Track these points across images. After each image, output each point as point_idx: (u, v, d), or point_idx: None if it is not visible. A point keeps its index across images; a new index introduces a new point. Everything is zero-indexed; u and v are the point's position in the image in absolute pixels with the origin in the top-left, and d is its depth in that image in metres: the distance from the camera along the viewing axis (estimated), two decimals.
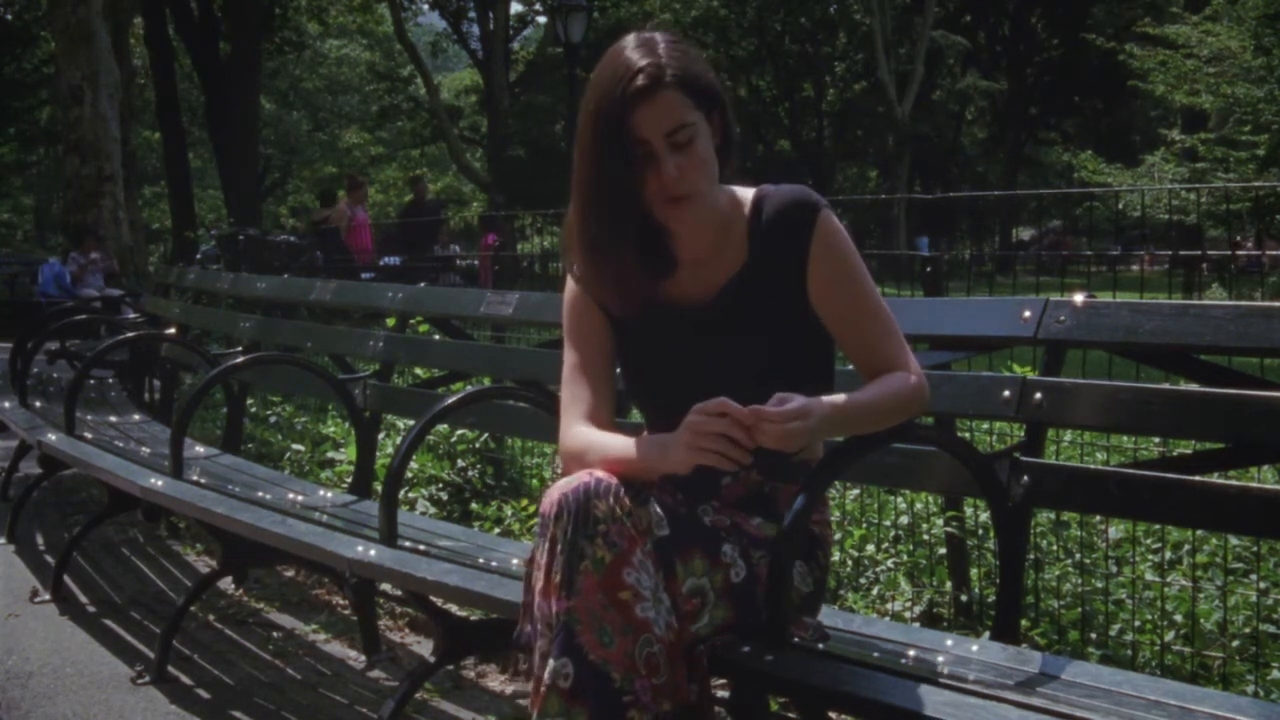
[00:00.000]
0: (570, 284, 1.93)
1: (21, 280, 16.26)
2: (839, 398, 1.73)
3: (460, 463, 4.17)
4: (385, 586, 3.15)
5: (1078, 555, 2.79)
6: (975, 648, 1.88)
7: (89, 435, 4.13)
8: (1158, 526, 2.72)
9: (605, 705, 1.56)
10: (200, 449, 4.07)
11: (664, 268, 1.85)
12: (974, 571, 2.80)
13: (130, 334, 5.44)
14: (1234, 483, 1.92)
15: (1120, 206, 9.44)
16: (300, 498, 3.26)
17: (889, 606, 2.87)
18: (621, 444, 1.75)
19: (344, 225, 11.90)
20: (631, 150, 1.73)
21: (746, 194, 1.87)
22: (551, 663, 1.58)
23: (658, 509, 1.68)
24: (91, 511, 4.35)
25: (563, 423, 1.87)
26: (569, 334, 1.92)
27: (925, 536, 3.02)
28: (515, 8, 28.55)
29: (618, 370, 1.96)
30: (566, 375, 1.90)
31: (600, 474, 1.67)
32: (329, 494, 3.42)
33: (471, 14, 28.44)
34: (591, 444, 1.79)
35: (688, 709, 1.65)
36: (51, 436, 4.05)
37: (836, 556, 3.01)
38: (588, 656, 1.57)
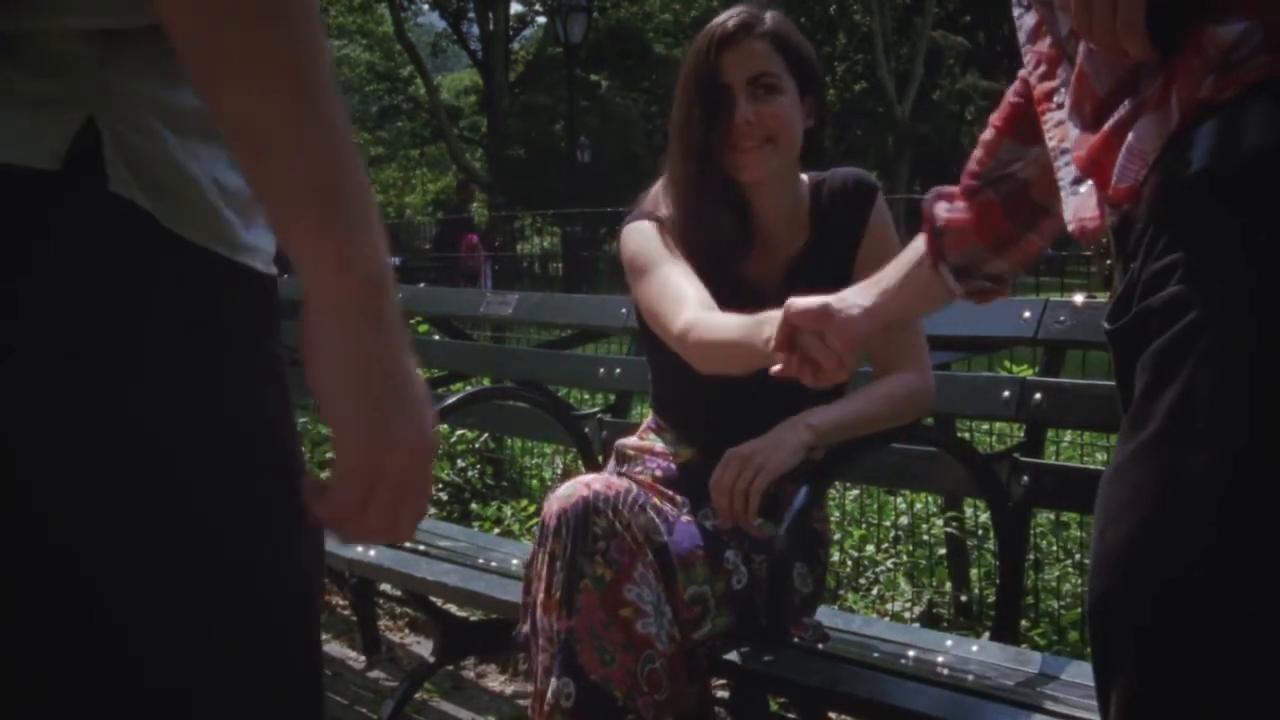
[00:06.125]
0: (646, 227, 1.85)
1: None
2: (832, 406, 1.74)
3: (460, 463, 4.17)
4: (385, 586, 3.15)
5: (1078, 555, 2.79)
6: (975, 648, 1.88)
7: None
8: None
9: None
10: None
11: (743, 249, 1.83)
12: (974, 571, 2.80)
13: None
14: None
15: None
16: None
17: (889, 607, 2.87)
18: (740, 324, 1.65)
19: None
20: (715, 94, 1.74)
21: (802, 179, 1.88)
22: (554, 682, 1.57)
23: (655, 516, 1.67)
24: None
25: (676, 318, 1.74)
26: (651, 260, 1.81)
27: (925, 537, 3.02)
28: (515, 8, 28.55)
29: (650, 372, 1.94)
30: (658, 292, 1.78)
31: (599, 486, 1.65)
32: None
33: (471, 14, 28.42)
34: (717, 325, 1.68)
35: (688, 714, 1.65)
36: None
37: (836, 556, 3.01)
38: (589, 676, 1.56)
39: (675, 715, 1.61)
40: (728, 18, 1.79)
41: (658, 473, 1.86)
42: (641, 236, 1.85)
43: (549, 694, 1.58)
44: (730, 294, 1.83)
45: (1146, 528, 0.84)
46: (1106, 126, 0.92)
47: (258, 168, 0.72)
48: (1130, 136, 0.89)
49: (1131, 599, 0.85)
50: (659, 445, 1.90)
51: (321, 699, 0.87)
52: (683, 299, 1.75)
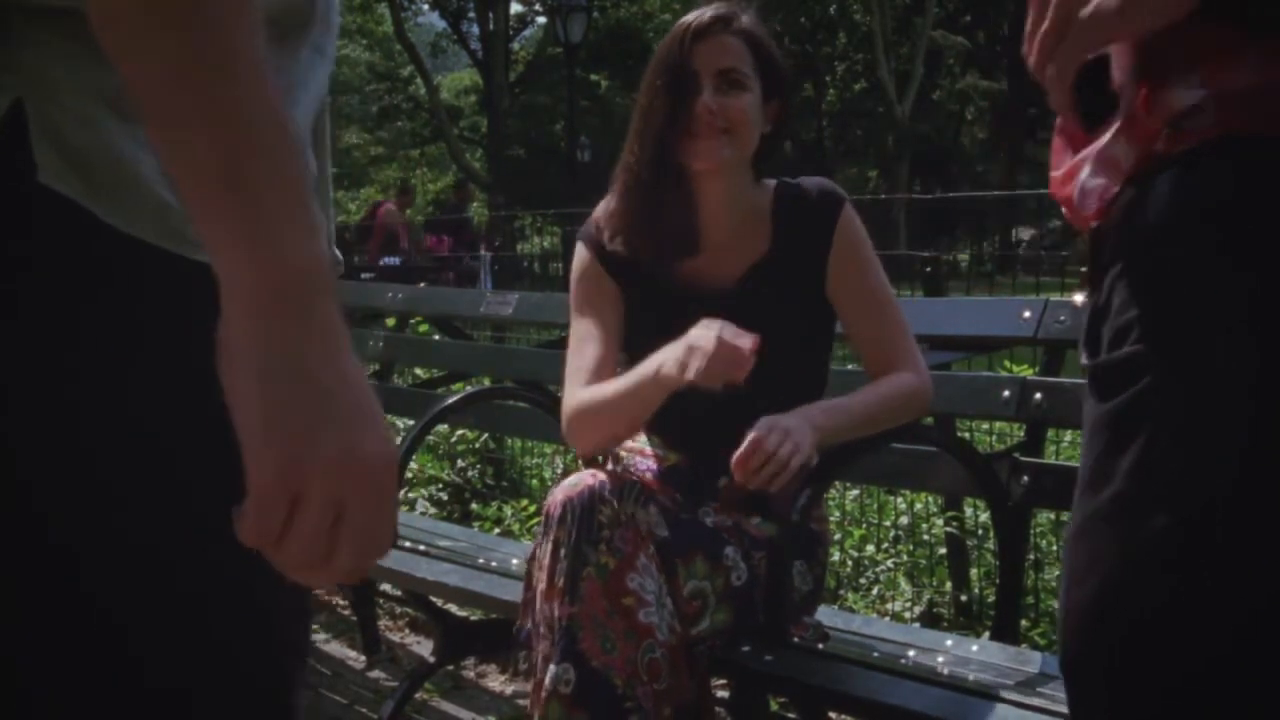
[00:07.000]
0: (582, 254, 1.90)
1: None
2: (833, 408, 1.74)
3: (460, 463, 4.17)
4: (385, 586, 3.14)
5: None
6: (975, 648, 1.88)
7: None
8: None
9: (607, 711, 1.56)
10: None
11: (689, 243, 1.85)
12: (974, 571, 2.80)
13: None
14: None
15: None
16: None
17: (889, 606, 2.87)
18: (619, 382, 1.75)
19: (396, 227, 12.52)
20: (682, 82, 1.77)
21: (767, 185, 1.89)
22: (553, 668, 1.58)
23: (656, 510, 1.68)
24: None
25: (565, 396, 1.86)
26: (576, 306, 1.90)
27: (925, 536, 3.02)
28: (515, 8, 28.55)
29: (624, 355, 1.96)
30: (572, 348, 1.89)
31: (604, 476, 1.67)
32: None
33: (471, 14, 28.42)
34: (593, 395, 1.77)
35: (693, 710, 1.65)
36: None
37: (836, 556, 3.01)
38: (590, 663, 1.57)
39: (674, 706, 1.61)
40: (705, 10, 1.82)
41: (648, 475, 1.87)
42: (577, 269, 1.92)
43: (548, 680, 1.58)
44: (680, 296, 1.84)
45: (1104, 594, 0.87)
46: (1078, 157, 0.94)
47: (162, 142, 0.66)
48: (1085, 172, 0.92)
49: (1094, 663, 0.89)
50: (648, 448, 1.91)
51: (299, 696, 0.86)
52: (576, 372, 1.84)
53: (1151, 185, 0.85)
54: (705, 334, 1.61)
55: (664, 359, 1.66)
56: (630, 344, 1.91)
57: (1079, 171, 0.93)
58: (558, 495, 1.66)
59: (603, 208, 1.90)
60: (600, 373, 1.83)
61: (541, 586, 1.64)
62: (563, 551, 1.61)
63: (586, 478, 1.67)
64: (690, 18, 1.82)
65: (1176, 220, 0.84)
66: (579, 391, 1.82)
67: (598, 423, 1.77)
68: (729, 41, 1.79)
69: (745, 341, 1.60)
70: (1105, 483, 0.87)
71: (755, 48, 1.81)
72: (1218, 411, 0.82)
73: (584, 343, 1.87)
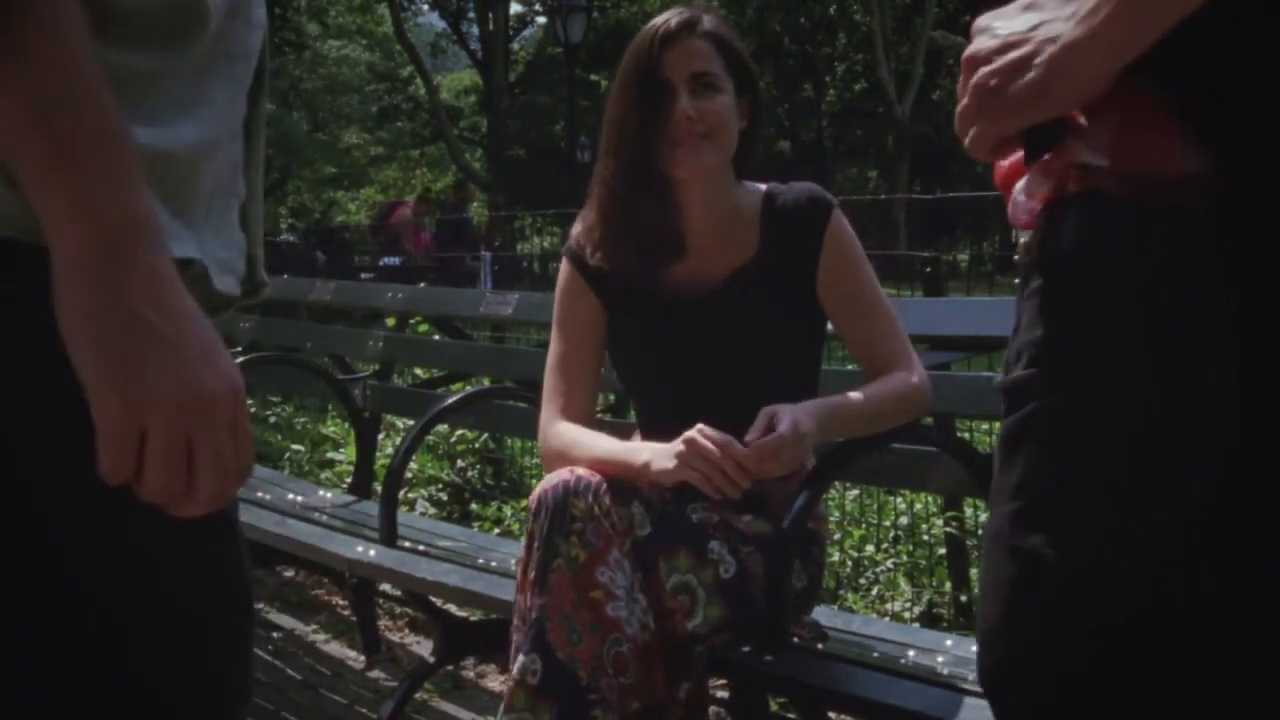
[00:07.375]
0: (566, 270, 1.92)
1: None
2: (832, 401, 1.74)
3: (460, 463, 4.17)
4: (385, 586, 3.15)
5: None
6: (975, 648, 1.87)
7: None
8: None
9: (570, 703, 1.57)
10: None
11: (674, 250, 1.85)
12: (974, 571, 2.80)
13: None
14: None
15: None
16: (300, 498, 3.26)
17: (889, 606, 2.87)
18: (607, 445, 1.76)
19: (410, 229, 12.72)
20: (655, 90, 1.76)
21: (757, 189, 1.89)
22: (521, 658, 1.60)
23: (641, 508, 1.67)
24: None
25: (543, 416, 1.88)
26: (559, 323, 1.93)
27: (925, 536, 3.02)
28: (515, 8, 28.53)
29: (610, 364, 1.96)
30: (551, 365, 1.91)
31: (582, 471, 1.67)
32: (329, 494, 3.42)
33: (471, 14, 28.40)
34: (576, 442, 1.79)
35: (665, 707, 1.65)
36: None
37: (836, 557, 3.01)
38: (555, 654, 1.58)
39: (642, 701, 1.61)
40: (669, 17, 1.81)
41: None
42: (561, 284, 1.93)
43: (515, 670, 1.60)
44: (666, 301, 1.85)
45: (1004, 612, 0.91)
46: (1013, 159, 0.95)
47: None
48: (1019, 186, 0.94)
49: (1002, 680, 0.93)
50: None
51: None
52: (554, 395, 1.88)
53: (1064, 213, 0.88)
54: (706, 443, 1.62)
55: (654, 455, 1.67)
56: (618, 351, 1.92)
57: (1016, 179, 0.95)
58: (536, 491, 1.68)
59: (581, 225, 1.90)
60: (577, 399, 1.87)
61: (518, 580, 1.66)
62: (535, 544, 1.63)
63: (564, 473, 1.67)
64: (656, 24, 1.81)
65: (1080, 249, 0.86)
66: (559, 426, 1.84)
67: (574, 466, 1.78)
68: (697, 45, 1.79)
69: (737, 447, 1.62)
70: (999, 501, 0.90)
71: (722, 47, 1.81)
72: (1094, 436, 0.84)
73: (562, 362, 1.90)
